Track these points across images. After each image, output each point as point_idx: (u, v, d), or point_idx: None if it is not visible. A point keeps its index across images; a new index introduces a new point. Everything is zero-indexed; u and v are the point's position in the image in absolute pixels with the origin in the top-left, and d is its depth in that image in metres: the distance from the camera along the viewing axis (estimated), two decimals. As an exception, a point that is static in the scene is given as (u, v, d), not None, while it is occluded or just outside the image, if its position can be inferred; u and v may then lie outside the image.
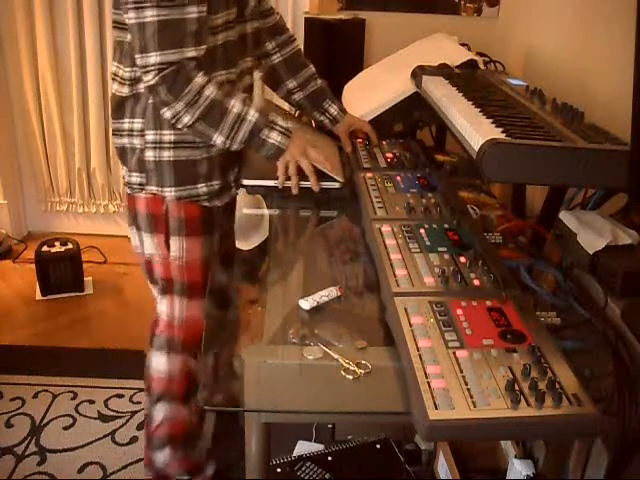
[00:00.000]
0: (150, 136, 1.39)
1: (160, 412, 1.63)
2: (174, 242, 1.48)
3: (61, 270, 2.72)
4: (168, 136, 1.38)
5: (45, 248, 2.73)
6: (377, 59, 2.17)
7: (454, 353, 0.87)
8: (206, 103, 1.29)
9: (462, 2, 2.62)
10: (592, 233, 1.13)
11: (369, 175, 1.47)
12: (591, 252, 1.11)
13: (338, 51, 2.39)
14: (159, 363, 1.60)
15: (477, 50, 2.01)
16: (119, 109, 1.42)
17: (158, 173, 1.42)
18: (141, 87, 1.36)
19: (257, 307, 1.11)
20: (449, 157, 1.84)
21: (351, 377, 0.90)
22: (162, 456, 1.68)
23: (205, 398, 0.99)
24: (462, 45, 1.99)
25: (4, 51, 2.97)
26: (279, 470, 1.56)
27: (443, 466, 1.43)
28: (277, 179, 1.47)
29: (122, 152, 1.46)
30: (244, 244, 2.23)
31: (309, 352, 0.95)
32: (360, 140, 1.71)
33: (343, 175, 1.52)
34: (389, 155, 1.62)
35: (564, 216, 1.22)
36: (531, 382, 0.81)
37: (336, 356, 0.93)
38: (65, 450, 1.92)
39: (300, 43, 2.53)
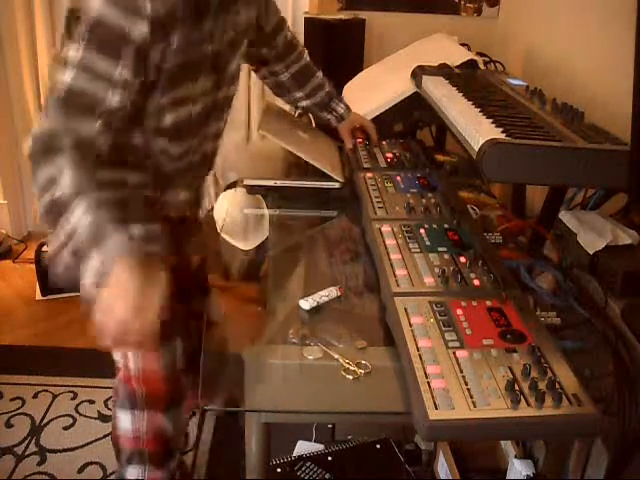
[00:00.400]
0: None
1: (132, 477, 1.43)
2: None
3: (61, 270, 2.71)
4: None
5: (45, 248, 2.73)
6: (377, 59, 2.17)
7: (454, 353, 0.87)
8: (53, 194, 0.98)
9: (462, 2, 2.62)
10: (592, 233, 1.13)
11: (369, 175, 1.47)
12: (591, 252, 1.11)
13: (338, 51, 2.38)
14: (124, 421, 1.41)
15: (477, 50, 2.01)
16: None
17: None
18: None
19: (257, 307, 1.11)
20: (449, 157, 1.84)
21: (351, 377, 0.90)
22: None
23: (205, 398, 0.99)
24: (462, 45, 1.99)
25: (4, 51, 2.97)
26: (279, 470, 1.56)
27: (443, 466, 1.43)
28: (277, 179, 1.47)
29: None
30: (244, 244, 2.23)
31: (309, 352, 0.95)
32: (360, 140, 1.71)
33: (343, 175, 1.52)
34: (389, 155, 1.62)
35: (564, 216, 1.23)
36: (531, 382, 0.81)
37: (336, 356, 0.93)
38: (65, 450, 1.91)
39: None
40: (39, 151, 1.00)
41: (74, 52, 1.00)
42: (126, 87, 1.03)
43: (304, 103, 1.65)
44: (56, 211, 0.98)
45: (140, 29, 0.99)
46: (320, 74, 1.65)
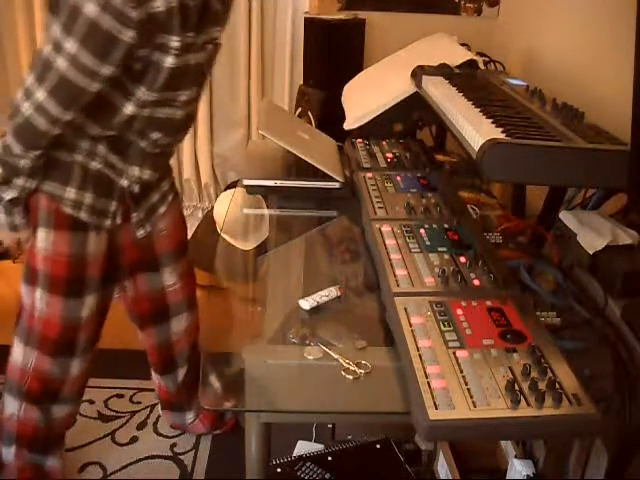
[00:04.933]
0: None
1: (10, 405, 1.56)
2: (40, 233, 1.42)
3: (61, 270, 2.71)
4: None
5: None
6: (377, 59, 2.17)
7: (454, 353, 0.87)
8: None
9: (462, 2, 2.62)
10: (592, 233, 1.13)
11: (369, 175, 1.47)
12: (591, 252, 1.11)
13: (338, 51, 2.39)
14: (16, 353, 1.53)
15: (477, 50, 2.01)
16: None
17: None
18: None
19: (257, 307, 1.11)
20: (449, 157, 1.84)
21: (351, 377, 0.90)
22: (8, 453, 1.60)
23: (205, 398, 0.99)
24: (462, 45, 1.99)
25: (4, 51, 2.97)
26: (279, 470, 1.55)
27: (443, 466, 1.43)
28: (277, 179, 1.47)
29: None
30: (244, 244, 2.23)
31: (309, 352, 0.95)
32: (360, 140, 1.71)
33: (343, 175, 1.52)
34: (389, 155, 1.62)
35: (564, 216, 1.22)
36: (531, 382, 0.81)
37: (336, 356, 0.93)
38: (65, 450, 1.91)
39: (300, 43, 2.54)
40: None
41: (69, 45, 1.14)
42: (106, 80, 1.21)
43: None
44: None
45: (128, 34, 1.14)
46: None
